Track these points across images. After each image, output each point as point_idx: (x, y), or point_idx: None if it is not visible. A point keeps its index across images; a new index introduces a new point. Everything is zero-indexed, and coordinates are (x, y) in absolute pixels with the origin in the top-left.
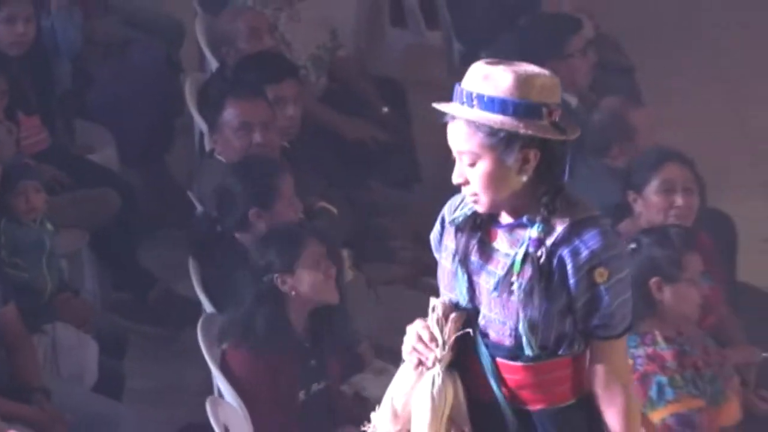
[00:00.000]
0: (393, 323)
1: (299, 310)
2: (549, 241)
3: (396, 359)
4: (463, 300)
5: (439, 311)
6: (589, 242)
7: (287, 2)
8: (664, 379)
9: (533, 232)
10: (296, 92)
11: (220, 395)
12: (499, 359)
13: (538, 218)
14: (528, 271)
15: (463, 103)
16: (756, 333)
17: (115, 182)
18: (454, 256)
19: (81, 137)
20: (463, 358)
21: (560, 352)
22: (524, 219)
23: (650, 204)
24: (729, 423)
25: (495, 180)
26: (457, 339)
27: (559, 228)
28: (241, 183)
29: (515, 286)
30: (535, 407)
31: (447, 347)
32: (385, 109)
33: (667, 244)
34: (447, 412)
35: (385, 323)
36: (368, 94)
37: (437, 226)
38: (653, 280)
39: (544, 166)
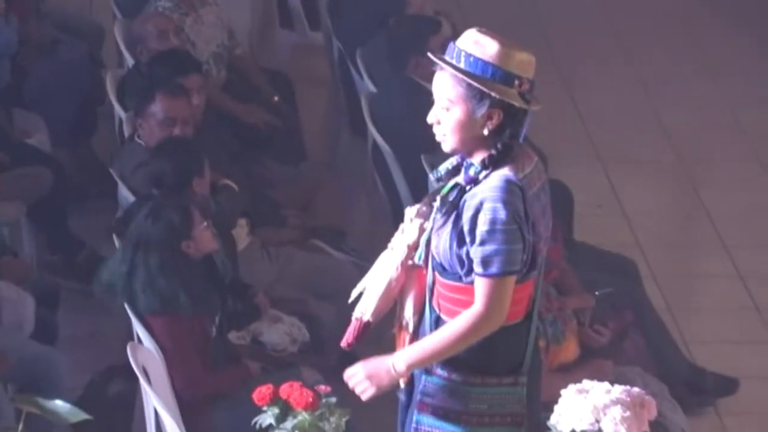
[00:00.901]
0: (284, 278)
1: (197, 266)
2: (478, 181)
3: (287, 310)
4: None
5: (412, 213)
6: (486, 189)
7: (192, 7)
8: None
9: (471, 170)
10: (200, 84)
11: (140, 341)
12: (435, 270)
13: (479, 162)
14: (452, 196)
15: (452, 59)
16: (590, 282)
17: (48, 162)
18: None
19: (19, 124)
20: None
21: (464, 279)
22: (467, 161)
23: None
24: (569, 358)
25: (462, 127)
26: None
27: (485, 174)
28: (168, 162)
29: (437, 204)
30: (444, 317)
31: (405, 243)
32: (276, 98)
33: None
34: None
35: (278, 278)
36: (261, 85)
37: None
38: None
39: (502, 126)
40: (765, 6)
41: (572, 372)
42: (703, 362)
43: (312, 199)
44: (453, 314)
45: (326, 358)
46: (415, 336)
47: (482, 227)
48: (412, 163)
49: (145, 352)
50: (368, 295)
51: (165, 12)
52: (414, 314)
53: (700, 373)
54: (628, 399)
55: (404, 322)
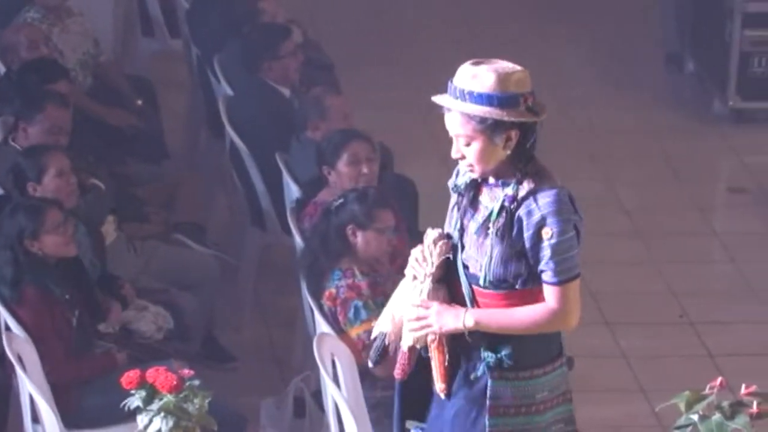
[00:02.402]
0: (149, 270)
1: (48, 263)
2: (519, 197)
3: (152, 300)
4: (455, 238)
5: (430, 238)
6: (542, 206)
7: (59, 18)
8: (360, 303)
9: (509, 190)
10: (68, 89)
11: (8, 329)
12: (474, 286)
13: (512, 180)
14: (501, 219)
15: (456, 98)
16: None
17: None
18: (453, 206)
19: None
20: (451, 281)
21: (517, 287)
22: (500, 181)
23: (342, 175)
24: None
25: (486, 155)
26: (445, 262)
27: (525, 190)
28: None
29: (491, 231)
30: None
31: (434, 266)
32: (139, 102)
33: (364, 200)
34: None
35: (143, 270)
36: (125, 90)
37: (453, 178)
38: (349, 226)
39: (521, 142)
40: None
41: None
42: None
43: (174, 196)
44: None
45: (190, 345)
46: (463, 354)
47: (549, 241)
48: (267, 161)
49: (18, 339)
50: (411, 326)
51: (34, 23)
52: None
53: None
54: None
55: (443, 340)
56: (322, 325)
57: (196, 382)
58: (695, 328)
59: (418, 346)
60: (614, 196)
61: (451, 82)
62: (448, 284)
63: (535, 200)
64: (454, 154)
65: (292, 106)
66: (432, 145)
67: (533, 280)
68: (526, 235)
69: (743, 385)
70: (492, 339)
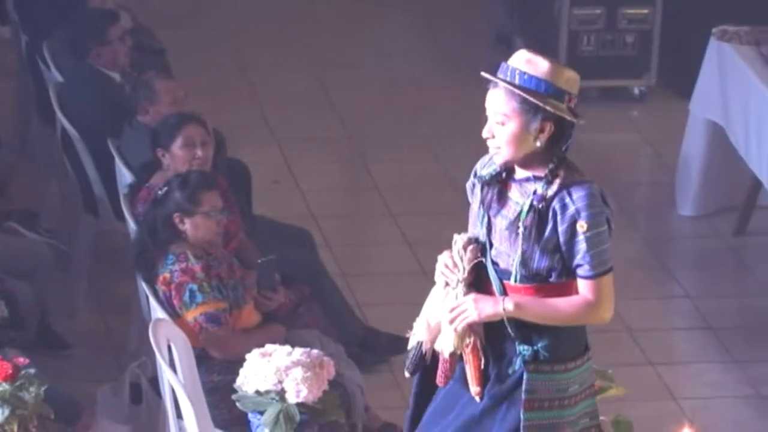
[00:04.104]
0: None
1: None
2: (548, 196)
3: None
4: (483, 236)
5: (459, 244)
6: (576, 200)
7: None
8: (194, 286)
9: (538, 187)
10: None
11: None
12: (505, 281)
13: (543, 177)
14: (530, 218)
15: (506, 77)
16: (269, 252)
17: None
18: (480, 202)
19: None
20: (481, 282)
21: (551, 280)
22: (532, 176)
23: (176, 158)
24: (250, 323)
25: (517, 140)
26: (475, 265)
27: (556, 186)
28: None
29: (521, 230)
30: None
31: (466, 271)
32: None
33: (187, 186)
34: None
35: None
36: None
37: (471, 178)
38: (175, 215)
39: (554, 138)
40: None
41: (252, 335)
42: (376, 323)
43: (6, 184)
44: None
45: (24, 333)
46: (492, 351)
47: (585, 234)
48: (99, 147)
49: None
50: (449, 331)
51: None
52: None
53: (373, 334)
54: (308, 360)
55: (477, 344)
56: (157, 311)
57: (32, 371)
58: None
59: (458, 352)
60: (445, 176)
61: (505, 62)
62: (478, 287)
63: (569, 194)
64: (485, 134)
65: (123, 91)
66: (264, 129)
67: (567, 273)
68: (561, 229)
69: None
70: (527, 332)
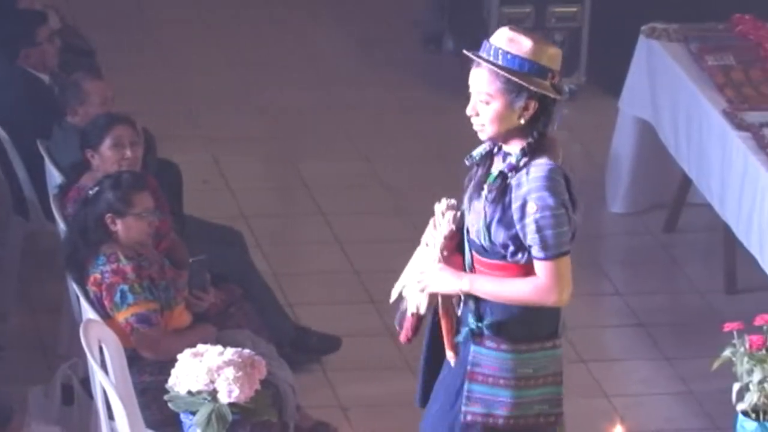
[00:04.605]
0: None
1: None
2: (519, 167)
3: None
4: (466, 208)
5: (439, 208)
6: (531, 180)
7: None
8: (126, 287)
9: (512, 158)
10: None
11: None
12: (473, 251)
13: (518, 151)
14: (497, 183)
15: (489, 56)
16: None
17: None
18: (470, 179)
19: None
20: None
21: (509, 259)
22: (507, 149)
23: (105, 158)
24: (182, 324)
25: (501, 118)
26: (455, 231)
27: (524, 162)
28: None
29: (484, 192)
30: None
31: (441, 235)
32: None
33: (119, 186)
34: None
35: None
36: None
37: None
38: (107, 215)
39: (537, 115)
40: None
41: (184, 335)
42: (308, 322)
43: None
44: None
45: None
46: (457, 319)
47: (534, 215)
48: (29, 149)
49: None
50: (415, 291)
51: None
52: (455, 299)
53: (305, 333)
54: (240, 360)
55: (448, 309)
56: (88, 312)
57: None
58: None
59: (421, 312)
60: (374, 175)
61: (487, 41)
62: (462, 253)
63: (527, 173)
64: (469, 111)
65: (52, 92)
66: (194, 128)
67: (523, 253)
68: (514, 206)
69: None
70: (479, 307)
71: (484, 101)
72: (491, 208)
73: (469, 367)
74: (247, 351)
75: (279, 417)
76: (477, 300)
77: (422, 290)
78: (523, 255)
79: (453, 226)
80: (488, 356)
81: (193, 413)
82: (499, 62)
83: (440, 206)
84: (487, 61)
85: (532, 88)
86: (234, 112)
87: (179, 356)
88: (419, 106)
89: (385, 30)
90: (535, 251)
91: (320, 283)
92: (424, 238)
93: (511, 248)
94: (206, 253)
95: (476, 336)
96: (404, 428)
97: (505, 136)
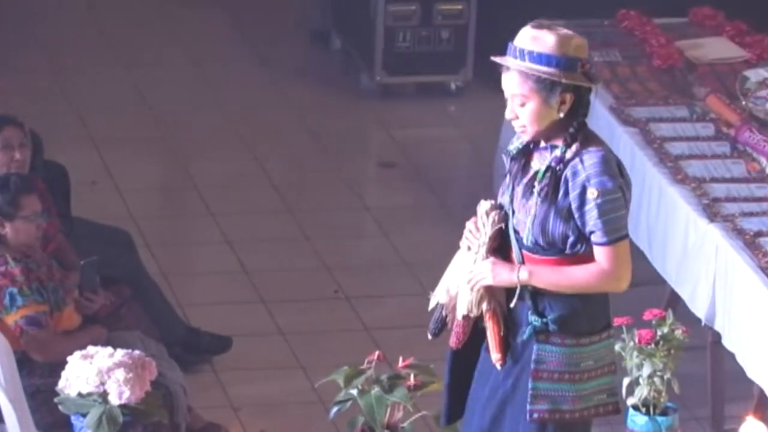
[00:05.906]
0: None
1: None
2: (566, 159)
3: None
4: (507, 205)
5: (483, 209)
6: (587, 167)
7: None
8: (14, 290)
9: (557, 152)
10: None
11: None
12: (524, 251)
13: (561, 143)
14: (547, 179)
15: (516, 58)
16: (88, 254)
17: None
18: (508, 172)
19: None
20: (505, 251)
21: (567, 251)
22: (550, 144)
23: None
24: (71, 325)
25: (540, 116)
26: (499, 233)
27: (572, 152)
28: None
29: (536, 189)
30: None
31: (487, 236)
32: None
33: (7, 190)
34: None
35: None
36: None
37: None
38: None
39: (574, 106)
40: None
41: (74, 337)
42: (198, 323)
43: None
44: None
45: None
46: (510, 319)
47: (596, 200)
48: None
49: None
50: (465, 293)
51: None
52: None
53: (195, 334)
54: (130, 361)
55: (497, 311)
56: None
57: None
58: (350, 302)
59: (472, 315)
60: (264, 174)
61: (512, 43)
62: (503, 255)
63: (581, 161)
64: (508, 115)
65: None
66: (81, 129)
67: (582, 243)
68: (572, 195)
69: (401, 358)
70: (542, 303)
71: (520, 103)
72: (545, 204)
73: (533, 366)
74: (137, 352)
75: (170, 418)
76: (534, 296)
77: (474, 288)
78: (581, 245)
79: (502, 225)
80: (552, 352)
81: (84, 415)
82: (526, 62)
83: (483, 207)
84: (515, 63)
85: (563, 81)
86: (121, 113)
87: (69, 358)
88: (306, 104)
89: (270, 28)
90: (597, 237)
91: (210, 283)
92: (464, 243)
93: (571, 239)
94: (95, 254)
95: (540, 333)
96: (295, 427)
97: (548, 132)
